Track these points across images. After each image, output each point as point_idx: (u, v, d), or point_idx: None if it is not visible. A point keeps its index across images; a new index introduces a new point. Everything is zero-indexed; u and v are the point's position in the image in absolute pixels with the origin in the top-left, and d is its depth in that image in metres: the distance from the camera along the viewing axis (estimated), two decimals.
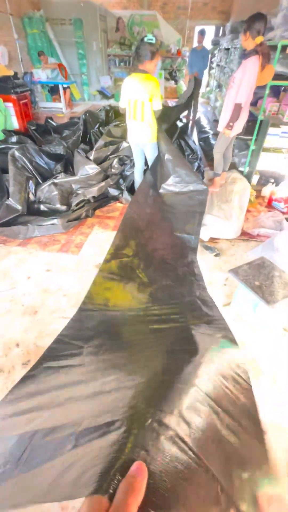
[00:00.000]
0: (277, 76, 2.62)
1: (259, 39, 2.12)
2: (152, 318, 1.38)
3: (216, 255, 2.19)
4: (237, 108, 2.32)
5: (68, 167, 3.15)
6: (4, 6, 6.01)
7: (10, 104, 4.44)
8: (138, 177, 2.71)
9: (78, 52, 7.52)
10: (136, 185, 2.64)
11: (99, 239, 2.37)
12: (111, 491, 0.27)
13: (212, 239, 2.38)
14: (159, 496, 0.28)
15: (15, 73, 4.84)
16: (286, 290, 1.47)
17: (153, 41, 2.01)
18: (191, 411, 0.46)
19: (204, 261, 2.14)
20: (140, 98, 2.11)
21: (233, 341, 1.24)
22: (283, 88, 3.03)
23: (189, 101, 4.51)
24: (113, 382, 0.64)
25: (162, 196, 1.90)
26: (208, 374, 0.66)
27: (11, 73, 4.74)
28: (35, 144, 3.33)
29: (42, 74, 6.37)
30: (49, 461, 0.38)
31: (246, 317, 1.68)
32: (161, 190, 1.87)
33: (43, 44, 7.00)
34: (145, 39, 2.01)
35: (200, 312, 1.46)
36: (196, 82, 4.91)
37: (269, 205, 2.93)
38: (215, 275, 2.01)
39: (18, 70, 6.26)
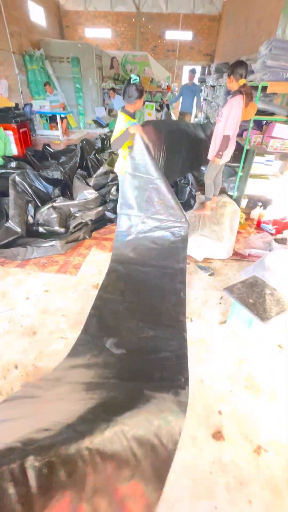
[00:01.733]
0: (260, 112, 2.93)
1: (242, 81, 2.39)
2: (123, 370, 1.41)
3: (210, 275, 2.27)
4: (226, 139, 2.54)
5: (66, 191, 3.27)
6: (7, 45, 6.51)
7: (10, 132, 4.67)
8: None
9: (75, 86, 8.09)
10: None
11: (97, 260, 2.43)
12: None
13: (206, 259, 2.47)
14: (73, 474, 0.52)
15: (16, 104, 5.14)
16: (279, 307, 1.54)
17: (137, 81, 2.05)
18: (110, 439, 0.71)
19: (199, 280, 2.22)
20: None
21: (182, 411, 1.21)
22: (265, 122, 3.32)
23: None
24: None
25: (146, 232, 1.99)
26: (141, 423, 0.87)
27: (12, 104, 5.03)
28: (33, 169, 3.47)
29: (45, 102, 6.72)
30: None
31: (242, 334, 1.73)
32: (145, 219, 1.96)
33: (42, 78, 7.48)
34: (131, 81, 2.04)
35: (168, 373, 1.39)
36: (185, 115, 5.38)
37: (258, 227, 3.09)
38: (210, 294, 2.08)
39: (19, 101, 6.63)
